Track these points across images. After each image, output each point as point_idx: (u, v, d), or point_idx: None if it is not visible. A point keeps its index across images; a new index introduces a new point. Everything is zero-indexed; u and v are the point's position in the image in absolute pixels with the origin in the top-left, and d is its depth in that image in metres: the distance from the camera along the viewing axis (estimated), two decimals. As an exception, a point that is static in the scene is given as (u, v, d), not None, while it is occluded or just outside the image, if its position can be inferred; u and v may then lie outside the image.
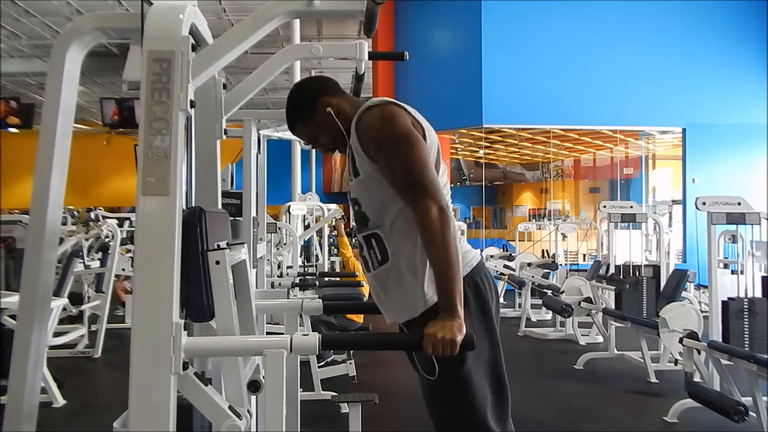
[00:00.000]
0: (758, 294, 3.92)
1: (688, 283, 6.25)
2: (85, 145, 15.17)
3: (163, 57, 1.32)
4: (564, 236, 8.97)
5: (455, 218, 1.79)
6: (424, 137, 1.58)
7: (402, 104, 1.61)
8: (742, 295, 3.89)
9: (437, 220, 1.47)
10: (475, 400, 1.58)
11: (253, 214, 3.28)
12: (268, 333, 3.11)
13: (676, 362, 4.67)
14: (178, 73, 1.32)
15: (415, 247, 1.58)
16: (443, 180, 1.61)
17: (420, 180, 1.51)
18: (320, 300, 2.18)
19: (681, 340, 3.67)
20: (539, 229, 11.46)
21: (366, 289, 4.80)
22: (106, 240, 6.24)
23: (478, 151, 14.67)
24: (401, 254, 1.60)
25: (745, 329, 3.69)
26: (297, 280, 4.99)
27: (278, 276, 5.85)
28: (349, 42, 2.47)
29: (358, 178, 1.61)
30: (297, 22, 9.11)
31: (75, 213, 11.18)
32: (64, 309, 5.16)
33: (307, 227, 8.23)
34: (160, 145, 1.31)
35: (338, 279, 5.70)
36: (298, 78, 9.93)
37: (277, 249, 6.95)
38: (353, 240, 8.31)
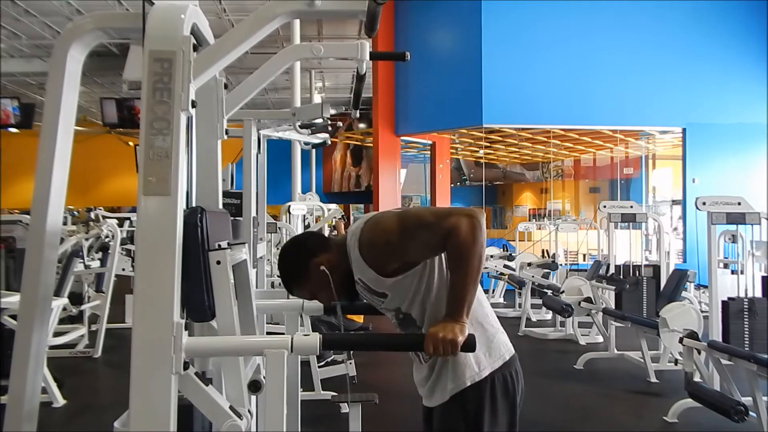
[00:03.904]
0: (758, 294, 3.93)
1: (688, 283, 6.24)
2: (85, 144, 15.16)
3: (165, 57, 1.32)
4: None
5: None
6: None
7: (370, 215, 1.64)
8: (742, 295, 3.89)
9: (468, 229, 1.44)
10: None
11: (254, 213, 3.28)
12: (268, 333, 3.11)
13: (676, 362, 4.67)
14: (179, 73, 1.33)
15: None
16: None
17: (438, 215, 1.50)
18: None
19: (681, 340, 3.67)
20: (539, 229, 11.45)
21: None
22: (106, 240, 6.24)
23: (478, 151, 14.67)
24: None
25: (745, 329, 3.69)
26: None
27: (278, 276, 5.84)
28: (350, 42, 2.47)
29: (387, 298, 1.60)
30: (297, 22, 9.10)
31: (75, 213, 11.18)
32: (65, 309, 5.16)
33: (307, 227, 8.22)
34: (161, 145, 1.32)
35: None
36: (298, 78, 9.94)
37: (278, 249, 6.95)
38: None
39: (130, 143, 15.47)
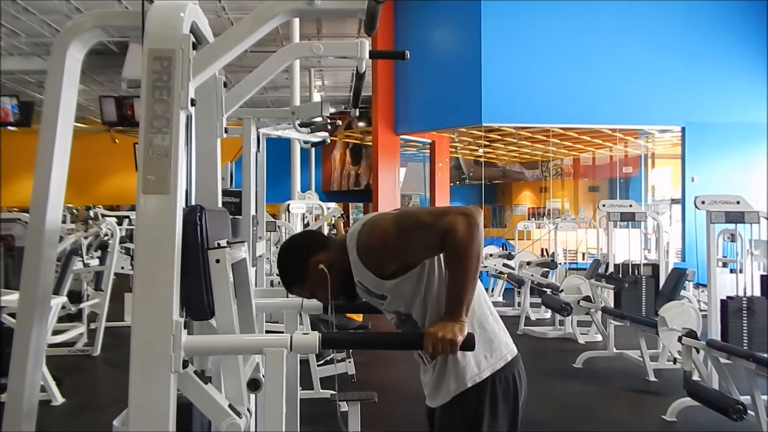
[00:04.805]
0: (757, 293, 3.93)
1: (687, 282, 6.24)
2: (84, 143, 15.15)
3: (164, 55, 1.32)
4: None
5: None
6: None
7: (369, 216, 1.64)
8: (741, 293, 3.89)
9: (465, 227, 1.43)
10: None
11: (253, 212, 3.28)
12: (267, 332, 3.11)
13: (675, 361, 4.67)
14: (178, 71, 1.32)
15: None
16: None
17: (435, 214, 1.50)
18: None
19: (680, 339, 3.67)
20: (538, 227, 11.45)
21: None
22: (105, 238, 6.24)
23: (477, 150, 14.67)
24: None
25: (744, 328, 3.69)
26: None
27: (277, 274, 5.84)
28: (349, 41, 2.47)
29: (387, 299, 1.60)
30: (297, 20, 9.09)
31: (74, 211, 11.17)
32: (64, 307, 5.16)
33: (306, 226, 8.22)
34: (161, 144, 1.31)
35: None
36: (297, 77, 9.93)
37: (277, 247, 6.95)
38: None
39: (117, 141, 15.51)
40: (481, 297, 1.61)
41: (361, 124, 15.24)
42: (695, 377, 3.66)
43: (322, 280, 1.60)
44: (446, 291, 1.51)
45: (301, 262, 1.63)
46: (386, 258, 1.54)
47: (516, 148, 14.39)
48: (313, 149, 13.74)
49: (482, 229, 1.47)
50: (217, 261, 1.51)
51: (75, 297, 5.51)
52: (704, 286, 5.19)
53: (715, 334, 3.77)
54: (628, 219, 5.81)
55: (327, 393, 3.86)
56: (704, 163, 9.43)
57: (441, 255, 1.56)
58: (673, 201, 12.30)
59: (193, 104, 1.36)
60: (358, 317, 4.84)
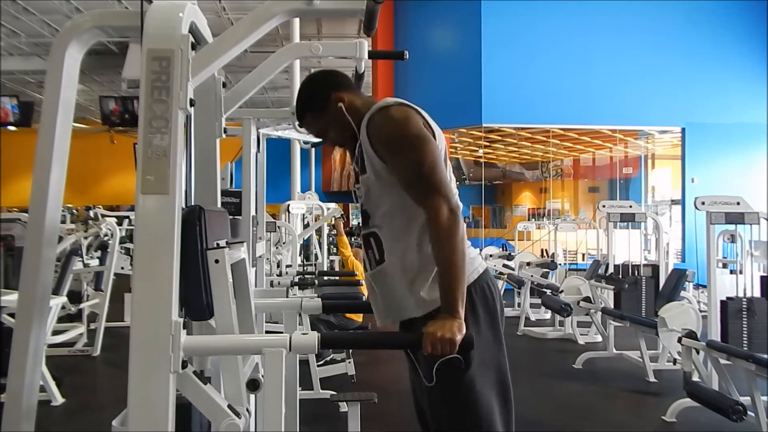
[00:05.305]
0: (757, 294, 3.92)
1: (687, 283, 6.24)
2: (84, 143, 15.14)
3: (163, 55, 1.32)
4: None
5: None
6: (434, 138, 1.59)
7: (413, 105, 1.62)
8: (741, 294, 3.89)
9: (446, 219, 1.47)
10: (479, 407, 1.57)
11: (253, 212, 3.27)
12: (267, 332, 3.11)
13: (674, 362, 4.67)
14: (177, 71, 1.32)
15: (414, 252, 1.59)
16: (451, 179, 1.62)
17: (431, 179, 1.51)
18: (319, 299, 2.18)
19: (680, 340, 3.67)
20: (538, 228, 11.45)
21: (365, 288, 4.80)
22: (105, 238, 6.24)
23: (477, 151, 14.66)
24: (397, 256, 1.60)
25: (744, 329, 3.69)
26: (296, 279, 4.99)
27: (277, 275, 5.85)
28: (349, 41, 2.47)
29: (364, 175, 1.62)
30: (296, 20, 9.09)
31: (74, 211, 11.17)
32: (63, 307, 5.15)
33: (306, 226, 8.22)
34: (160, 144, 1.31)
35: (337, 278, 5.70)
36: (297, 77, 9.93)
37: (277, 248, 6.95)
38: (353, 239, 8.30)
39: (114, 141, 15.52)
40: None
41: (361, 124, 15.23)
42: (695, 378, 3.66)
43: (336, 119, 1.62)
44: (439, 290, 1.50)
45: (324, 93, 1.64)
46: (382, 147, 1.56)
47: (516, 149, 14.39)
48: (313, 150, 13.74)
49: (462, 224, 1.50)
50: (216, 261, 1.51)
51: (75, 297, 5.50)
52: (704, 286, 5.18)
53: (715, 334, 3.77)
54: (628, 220, 5.80)
55: (326, 393, 3.85)
56: (704, 163, 9.43)
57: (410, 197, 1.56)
58: (673, 202, 12.29)
59: (192, 104, 1.36)
60: (358, 317, 4.84)
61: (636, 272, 5.33)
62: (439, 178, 1.53)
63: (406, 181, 1.55)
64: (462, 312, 1.46)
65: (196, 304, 1.50)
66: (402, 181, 1.55)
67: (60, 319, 5.16)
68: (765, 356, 3.10)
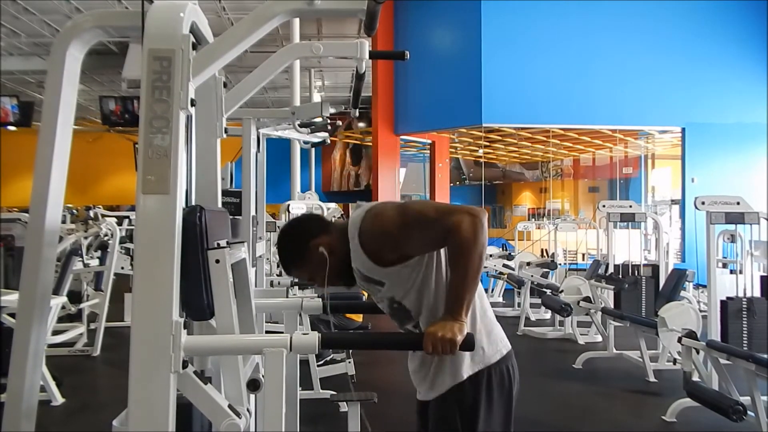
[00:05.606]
0: (757, 293, 3.92)
1: (686, 283, 6.24)
2: (84, 143, 15.17)
3: (164, 55, 1.32)
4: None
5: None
6: None
7: (373, 204, 1.63)
8: (741, 294, 3.89)
9: (469, 225, 1.44)
10: None
11: (253, 212, 3.28)
12: (267, 332, 3.11)
13: (674, 362, 4.67)
14: (178, 71, 1.32)
15: None
16: None
17: (441, 212, 1.50)
18: (319, 299, 2.18)
19: (680, 340, 3.67)
20: (538, 228, 11.45)
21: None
22: (105, 238, 6.23)
23: (477, 151, 14.67)
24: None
25: (744, 329, 3.69)
26: (296, 279, 4.98)
27: (277, 275, 5.85)
28: (349, 41, 2.47)
29: (385, 287, 1.61)
30: (297, 20, 9.09)
31: (74, 211, 11.17)
32: (63, 307, 5.15)
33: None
34: (161, 144, 1.31)
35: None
36: (297, 77, 9.94)
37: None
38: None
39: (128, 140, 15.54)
40: (479, 292, 1.62)
41: (361, 124, 15.25)
42: (695, 378, 3.66)
43: (322, 264, 1.61)
44: (447, 290, 1.51)
45: (302, 244, 1.63)
46: (387, 247, 1.55)
47: (516, 149, 14.39)
48: (313, 150, 13.74)
49: (486, 230, 1.48)
50: (217, 261, 1.51)
51: (75, 297, 5.50)
52: (704, 286, 5.18)
53: (715, 334, 3.77)
54: (628, 219, 5.80)
55: (327, 393, 3.86)
56: (704, 163, 9.42)
57: (442, 250, 1.57)
58: (673, 201, 12.29)
59: (192, 104, 1.36)
60: (358, 317, 4.84)
61: (636, 272, 5.33)
62: (443, 206, 1.54)
63: (431, 240, 1.53)
64: (465, 316, 1.47)
65: (197, 304, 1.50)
66: (429, 245, 1.54)
67: (60, 319, 5.16)
68: (765, 356, 3.10)
